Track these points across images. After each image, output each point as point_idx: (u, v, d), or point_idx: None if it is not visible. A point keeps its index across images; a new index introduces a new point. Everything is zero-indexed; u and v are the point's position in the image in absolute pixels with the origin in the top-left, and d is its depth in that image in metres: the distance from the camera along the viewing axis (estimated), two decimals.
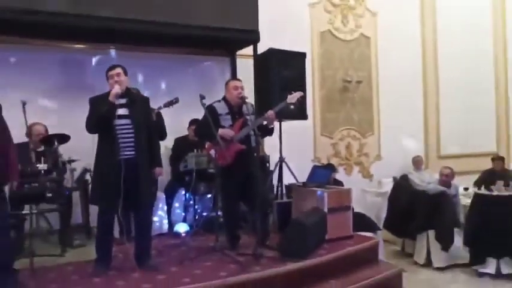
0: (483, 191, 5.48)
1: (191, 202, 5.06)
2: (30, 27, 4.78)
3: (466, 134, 8.12)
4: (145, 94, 4.36)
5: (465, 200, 5.65)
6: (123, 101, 3.57)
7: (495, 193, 5.26)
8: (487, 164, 7.10)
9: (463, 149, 8.04)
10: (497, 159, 6.98)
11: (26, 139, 4.39)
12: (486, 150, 8.08)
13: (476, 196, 5.26)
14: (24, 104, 3.98)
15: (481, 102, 8.42)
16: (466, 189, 6.30)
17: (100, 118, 3.48)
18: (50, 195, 4.32)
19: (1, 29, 4.76)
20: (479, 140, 8.27)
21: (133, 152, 3.53)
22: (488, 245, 4.91)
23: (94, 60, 5.65)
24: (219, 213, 4.68)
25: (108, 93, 3.54)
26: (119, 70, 3.62)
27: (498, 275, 4.88)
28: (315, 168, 5.34)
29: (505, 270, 4.89)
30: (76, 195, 4.87)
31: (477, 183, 6.31)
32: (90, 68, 5.59)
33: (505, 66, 8.81)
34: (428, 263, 5.37)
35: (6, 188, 3.36)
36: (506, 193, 5.20)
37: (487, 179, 6.28)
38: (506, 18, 8.83)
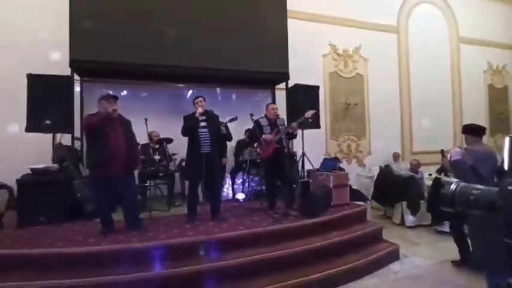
0: (442, 176, 5.17)
1: (246, 180, 5.12)
2: (152, 74, 5.00)
3: (431, 136, 7.64)
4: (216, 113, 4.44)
5: (428, 182, 5.36)
6: (203, 117, 3.69)
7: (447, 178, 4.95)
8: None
9: (429, 147, 7.59)
10: (442, 153, 6.55)
11: (147, 141, 4.53)
12: (446, 148, 7.57)
13: (435, 179, 4.98)
14: (146, 120, 4.08)
15: (441, 114, 7.94)
16: (430, 174, 5.96)
17: (189, 127, 3.63)
18: (161, 174, 4.58)
19: (136, 76, 5.08)
20: (442, 141, 7.79)
21: (209, 148, 3.63)
22: (443, 211, 4.64)
23: (186, 93, 5.77)
24: (263, 187, 4.77)
25: (193, 113, 3.68)
26: (201, 98, 3.75)
27: (451, 232, 4.58)
28: (325, 159, 5.29)
29: None
30: (177, 175, 5.01)
31: (438, 171, 5.94)
32: (185, 98, 5.69)
33: (460, 88, 8.28)
34: (402, 223, 5.16)
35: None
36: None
37: (444, 168, 5.91)
38: (460, 54, 8.33)
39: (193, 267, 2.82)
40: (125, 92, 5.40)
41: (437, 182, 4.84)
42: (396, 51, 7.59)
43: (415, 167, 5.40)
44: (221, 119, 4.04)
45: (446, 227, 4.65)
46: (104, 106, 3.15)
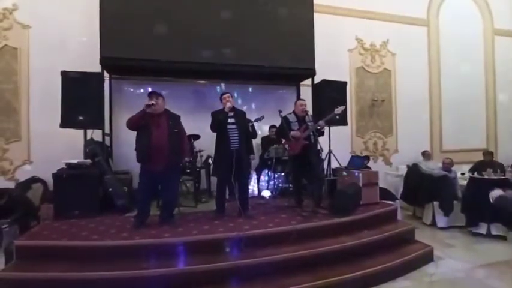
0: (476, 175, 4.97)
1: (272, 177, 5.08)
2: (177, 71, 5.07)
3: (462, 134, 7.37)
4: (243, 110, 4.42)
5: (462, 181, 5.15)
6: (231, 113, 3.70)
7: (486, 177, 4.75)
8: (478, 157, 6.38)
9: (459, 145, 7.32)
10: (487, 153, 6.26)
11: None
12: (478, 147, 7.28)
13: (471, 179, 4.80)
14: None
15: (473, 111, 7.60)
16: (463, 174, 5.76)
17: (219, 122, 3.63)
18: (188, 171, 4.63)
19: (162, 72, 5.14)
20: (472, 139, 7.49)
21: (238, 145, 3.63)
22: (479, 212, 4.45)
23: (211, 90, 5.73)
24: (290, 184, 4.74)
25: (221, 109, 3.69)
26: (228, 94, 3.77)
27: (488, 235, 4.42)
28: (352, 157, 5.17)
29: (494, 231, 4.42)
30: (203, 172, 5.02)
31: (471, 170, 5.71)
32: (208, 94, 5.65)
33: (493, 84, 7.87)
34: (433, 224, 4.98)
35: None
36: (495, 177, 4.67)
37: (478, 167, 5.67)
38: (494, 47, 7.91)
39: (224, 264, 2.85)
40: (150, 89, 5.43)
41: (473, 182, 4.67)
42: (426, 45, 7.31)
43: (448, 165, 5.19)
44: (248, 117, 4.01)
45: (482, 229, 4.48)
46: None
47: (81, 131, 4.32)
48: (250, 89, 6.08)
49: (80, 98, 4.05)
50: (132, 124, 3.28)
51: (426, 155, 6.28)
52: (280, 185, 5.04)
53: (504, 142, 7.63)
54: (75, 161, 3.87)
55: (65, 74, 4.12)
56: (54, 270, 2.62)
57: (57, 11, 5.01)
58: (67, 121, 4.08)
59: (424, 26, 7.32)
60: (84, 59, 4.80)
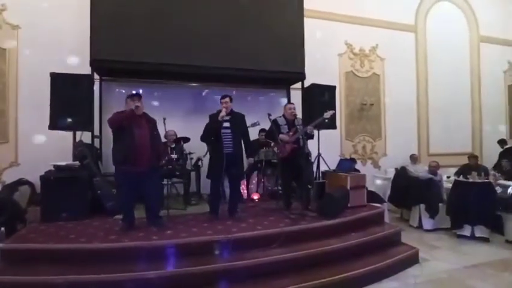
0: (461, 178, 5.09)
1: (261, 180, 5.10)
2: (169, 74, 5.05)
3: (448, 138, 7.57)
4: None
5: (447, 184, 5.25)
6: (227, 117, 3.68)
7: (471, 180, 4.87)
8: (464, 160, 6.54)
9: (446, 149, 7.49)
10: (472, 157, 6.41)
11: (165, 140, 4.46)
12: (464, 151, 7.46)
13: (456, 182, 4.91)
14: (164, 119, 4.00)
15: (459, 115, 7.82)
16: (448, 177, 5.86)
17: (212, 130, 3.65)
18: (178, 173, 4.60)
19: (153, 75, 5.12)
20: (458, 143, 7.67)
21: (232, 149, 3.64)
22: (464, 215, 4.56)
23: (204, 93, 5.79)
24: (279, 187, 4.76)
25: (219, 111, 3.68)
26: (227, 99, 3.73)
27: (472, 237, 4.53)
28: (341, 160, 5.26)
29: (478, 233, 4.52)
30: (193, 174, 4.99)
31: (457, 173, 5.86)
32: (199, 97, 5.69)
33: (479, 89, 8.12)
34: (419, 226, 5.08)
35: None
36: (479, 181, 4.79)
37: (464, 170, 5.81)
38: (480, 54, 8.16)
39: (212, 266, 2.86)
40: (141, 91, 5.43)
41: (459, 185, 4.78)
42: (414, 51, 7.49)
43: (434, 168, 5.31)
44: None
45: (466, 231, 4.58)
46: (129, 104, 3.24)
47: (70, 133, 4.29)
48: (243, 92, 6.05)
49: (69, 100, 4.02)
50: (116, 122, 3.21)
51: (414, 158, 6.41)
52: (269, 187, 5.07)
53: (489, 146, 7.80)
54: (63, 163, 3.84)
55: (54, 76, 4.08)
56: (41, 273, 2.59)
57: (47, 11, 4.96)
58: (56, 123, 4.05)
59: (412, 32, 7.50)
60: (75, 60, 4.77)
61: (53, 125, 4.07)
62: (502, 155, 6.91)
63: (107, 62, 4.47)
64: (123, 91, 5.37)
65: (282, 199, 4.26)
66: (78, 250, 2.85)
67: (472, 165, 6.03)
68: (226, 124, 3.68)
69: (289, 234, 3.31)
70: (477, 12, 8.14)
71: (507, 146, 7.22)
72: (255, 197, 4.95)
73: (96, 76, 4.74)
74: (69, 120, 4.04)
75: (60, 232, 3.26)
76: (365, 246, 3.51)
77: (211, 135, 3.69)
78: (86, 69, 4.47)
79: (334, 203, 3.85)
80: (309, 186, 4.32)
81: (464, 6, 8.05)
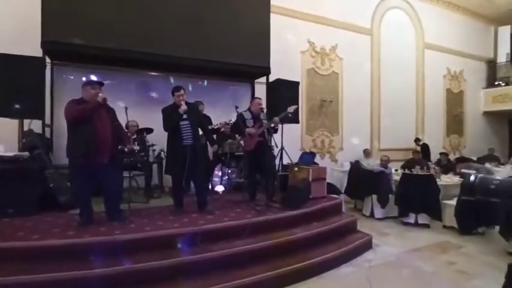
0: (407, 171, 5.58)
1: (226, 172, 5.10)
2: (127, 60, 4.74)
3: (396, 134, 8.21)
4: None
5: (396, 177, 5.72)
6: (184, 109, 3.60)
7: (415, 173, 5.36)
8: (409, 155, 7.20)
9: (394, 144, 8.14)
10: (416, 152, 7.07)
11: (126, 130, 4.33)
12: (409, 146, 8.17)
13: (403, 175, 5.35)
14: (126, 108, 3.75)
15: (406, 114, 8.53)
16: (396, 170, 6.37)
17: (174, 122, 3.54)
18: (139, 165, 4.45)
19: (110, 61, 4.79)
20: (405, 140, 8.37)
21: (191, 141, 3.55)
22: (409, 204, 5.02)
23: (161, 82, 5.53)
24: (243, 179, 4.80)
25: (173, 105, 3.57)
26: (182, 92, 3.60)
27: (416, 224, 5.02)
28: (303, 154, 5.43)
29: (420, 220, 5.02)
30: (155, 167, 4.88)
31: (402, 167, 6.39)
32: (158, 87, 5.45)
33: (423, 90, 8.93)
34: (371, 215, 5.48)
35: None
36: (422, 173, 5.30)
37: (408, 164, 6.36)
38: (424, 58, 8.94)
39: (179, 259, 2.81)
40: (95, 78, 5.05)
41: (405, 177, 5.20)
42: (369, 52, 7.97)
43: (385, 162, 5.74)
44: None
45: (411, 219, 5.06)
46: (89, 92, 3.00)
47: (17, 121, 3.88)
48: (205, 83, 5.99)
49: (17, 85, 3.62)
50: (80, 115, 2.92)
51: (366, 152, 6.86)
52: (234, 180, 5.08)
53: (429, 142, 8.61)
54: (10, 154, 3.46)
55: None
56: None
57: None
58: (1, 109, 3.63)
59: (368, 35, 7.96)
60: (23, 41, 4.28)
61: None
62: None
63: (59, 44, 4.07)
64: (77, 77, 4.94)
65: (247, 191, 4.29)
66: (31, 248, 2.61)
67: (415, 159, 6.64)
68: (184, 116, 3.57)
69: (255, 225, 3.37)
70: (423, 21, 8.90)
71: (421, 143, 8.24)
72: (219, 189, 4.92)
73: (47, 60, 4.32)
74: (17, 106, 3.64)
75: (7, 230, 2.95)
76: (326, 235, 3.70)
77: (173, 124, 3.55)
78: (37, 52, 4.03)
79: (297, 194, 3.99)
80: (273, 179, 4.42)
81: (412, 14, 8.74)
